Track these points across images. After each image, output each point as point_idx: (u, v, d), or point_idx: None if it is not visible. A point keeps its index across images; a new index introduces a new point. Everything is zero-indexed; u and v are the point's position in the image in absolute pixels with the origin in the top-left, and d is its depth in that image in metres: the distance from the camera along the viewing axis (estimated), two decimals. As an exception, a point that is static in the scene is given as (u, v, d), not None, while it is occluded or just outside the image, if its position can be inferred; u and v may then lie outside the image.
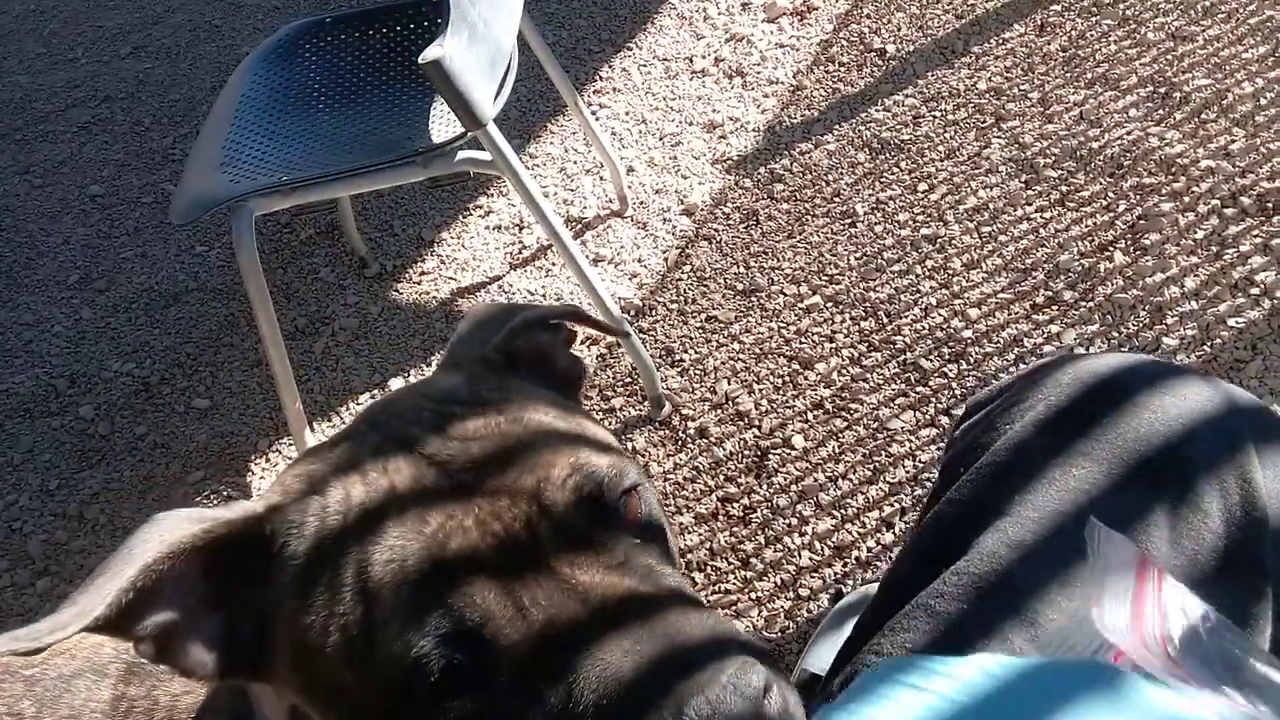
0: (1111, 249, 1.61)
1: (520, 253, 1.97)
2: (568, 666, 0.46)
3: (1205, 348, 1.43)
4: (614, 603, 0.48)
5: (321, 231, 2.12)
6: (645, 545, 0.55)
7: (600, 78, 2.30)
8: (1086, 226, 1.66)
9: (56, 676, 0.82)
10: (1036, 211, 1.70)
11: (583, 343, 1.77)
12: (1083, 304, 1.55)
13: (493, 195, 2.11)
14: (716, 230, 1.88)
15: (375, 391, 1.79)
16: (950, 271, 1.66)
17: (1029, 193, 1.74)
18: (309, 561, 0.53)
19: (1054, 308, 1.55)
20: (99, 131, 2.53)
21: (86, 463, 1.79)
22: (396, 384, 1.79)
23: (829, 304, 1.68)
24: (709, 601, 1.36)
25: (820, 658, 1.08)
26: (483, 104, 1.24)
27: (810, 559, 1.37)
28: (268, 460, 1.73)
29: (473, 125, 1.24)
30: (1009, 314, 1.56)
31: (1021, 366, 1.49)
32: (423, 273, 1.99)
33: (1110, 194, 1.69)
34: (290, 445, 1.73)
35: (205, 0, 2.90)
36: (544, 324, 0.72)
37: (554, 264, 1.93)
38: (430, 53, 1.15)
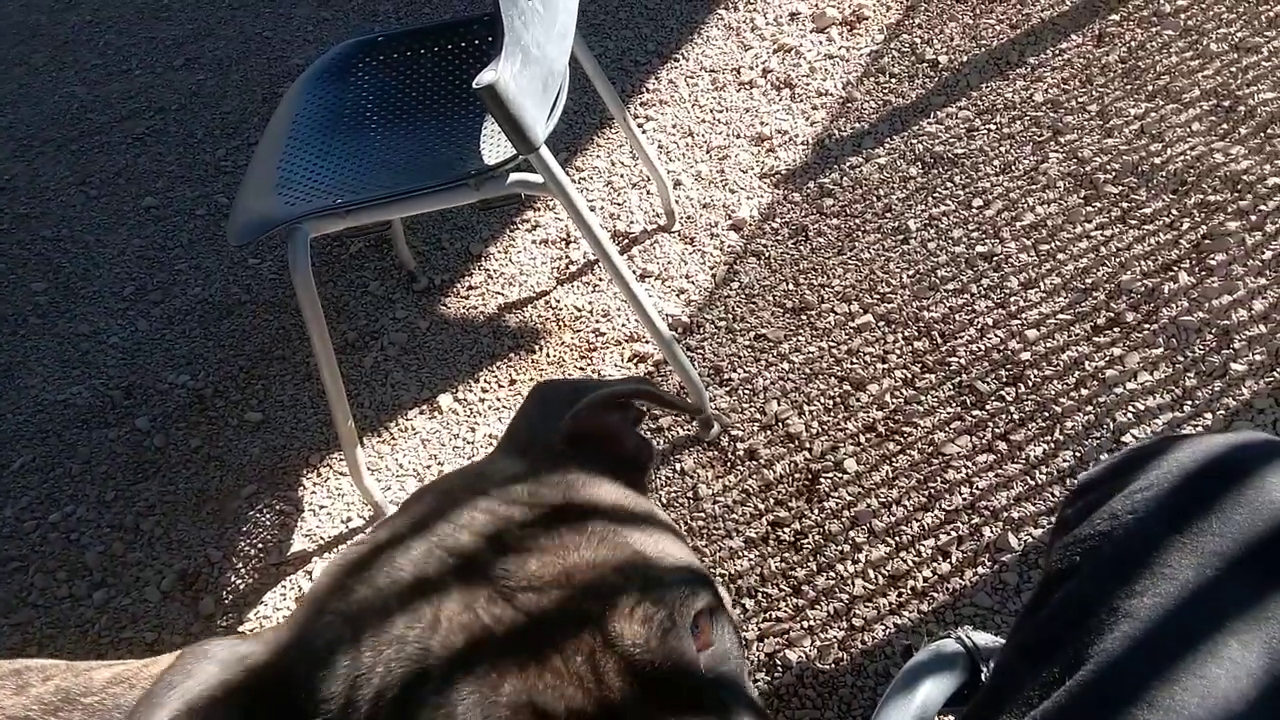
0: (1176, 269, 1.57)
1: (567, 268, 1.97)
2: None
3: (1276, 374, 1.39)
4: None
5: (371, 245, 2.13)
6: (719, 678, 0.51)
7: (647, 90, 2.29)
8: (1149, 245, 1.61)
9: (115, 707, 0.82)
10: (1096, 229, 1.66)
11: (630, 360, 1.77)
12: (1146, 326, 1.51)
13: (540, 210, 2.11)
14: (765, 246, 1.86)
15: (424, 407, 1.80)
16: (1007, 290, 1.62)
17: (1088, 209, 1.70)
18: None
19: (1116, 329, 1.52)
20: (153, 143, 2.57)
21: (142, 474, 1.82)
22: (445, 400, 1.80)
23: (881, 323, 1.66)
24: (759, 630, 1.35)
25: (894, 723, 1.05)
26: (535, 128, 1.23)
27: (864, 587, 1.35)
28: (319, 475, 1.74)
29: (525, 149, 1.24)
30: (1069, 335, 1.53)
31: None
32: (470, 287, 2.00)
33: (1173, 211, 1.65)
34: (341, 460, 1.75)
35: (255, 13, 2.94)
36: (613, 403, 0.68)
37: (601, 279, 1.92)
38: (484, 77, 1.15)
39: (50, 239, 2.38)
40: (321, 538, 1.65)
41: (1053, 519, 1.33)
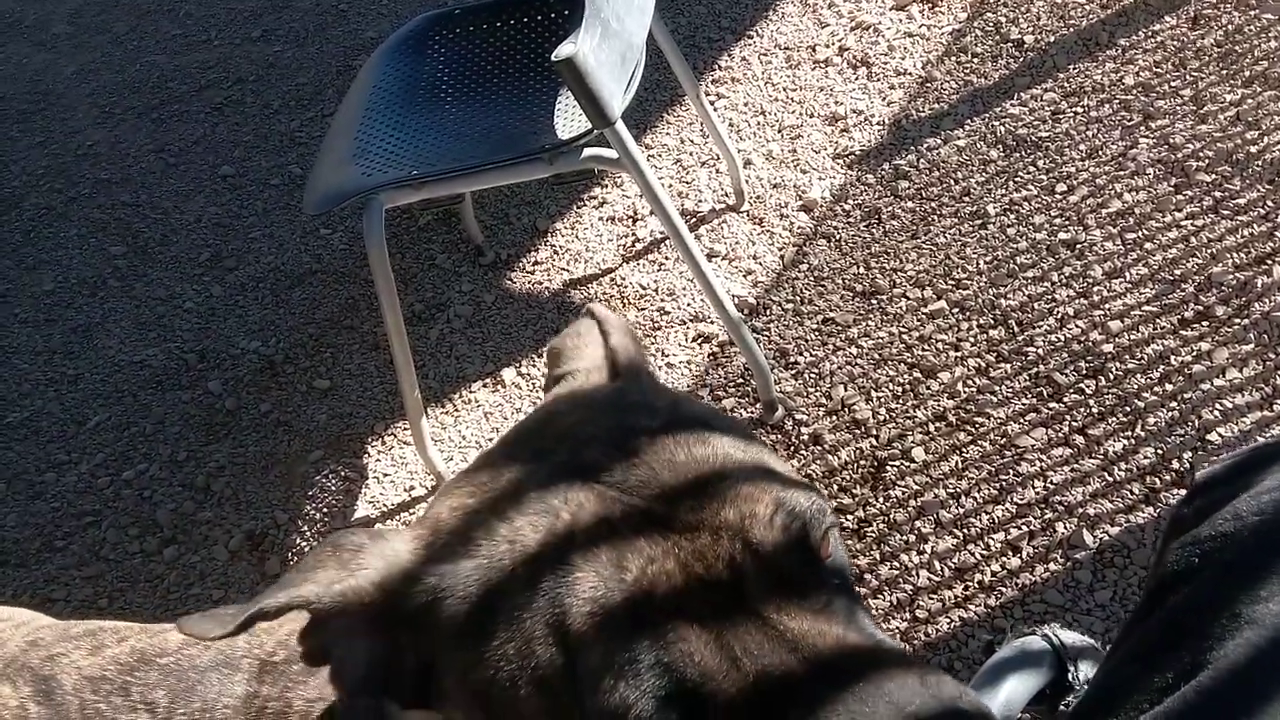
0: (1270, 262, 1.50)
1: (633, 245, 1.96)
2: None
3: (1377, 375, 1.32)
4: (828, 653, 0.46)
5: (439, 218, 2.15)
6: (840, 588, 0.52)
7: (719, 67, 2.25)
8: (1242, 237, 1.54)
9: (190, 668, 0.83)
10: (1187, 218, 1.60)
11: (694, 340, 1.75)
12: (1236, 321, 1.44)
13: (607, 187, 2.10)
14: (836, 228, 1.83)
15: (487, 380, 1.81)
16: (1090, 280, 1.57)
17: (1179, 198, 1.63)
18: (473, 617, 0.51)
19: (1204, 323, 1.46)
20: (230, 113, 2.61)
21: (213, 436, 1.86)
22: (508, 374, 1.81)
23: (955, 309, 1.61)
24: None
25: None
26: (612, 102, 1.22)
27: (929, 579, 1.32)
28: (383, 443, 1.76)
29: (602, 123, 1.23)
30: (1154, 328, 1.47)
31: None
32: (536, 263, 2.00)
33: (1269, 202, 1.57)
34: (406, 430, 1.76)
35: (331, -16, 2.96)
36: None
37: (667, 258, 1.91)
38: (563, 50, 1.14)
39: (129, 204, 2.44)
40: (385, 504, 1.67)
41: (1131, 517, 1.29)
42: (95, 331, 2.15)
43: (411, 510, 1.65)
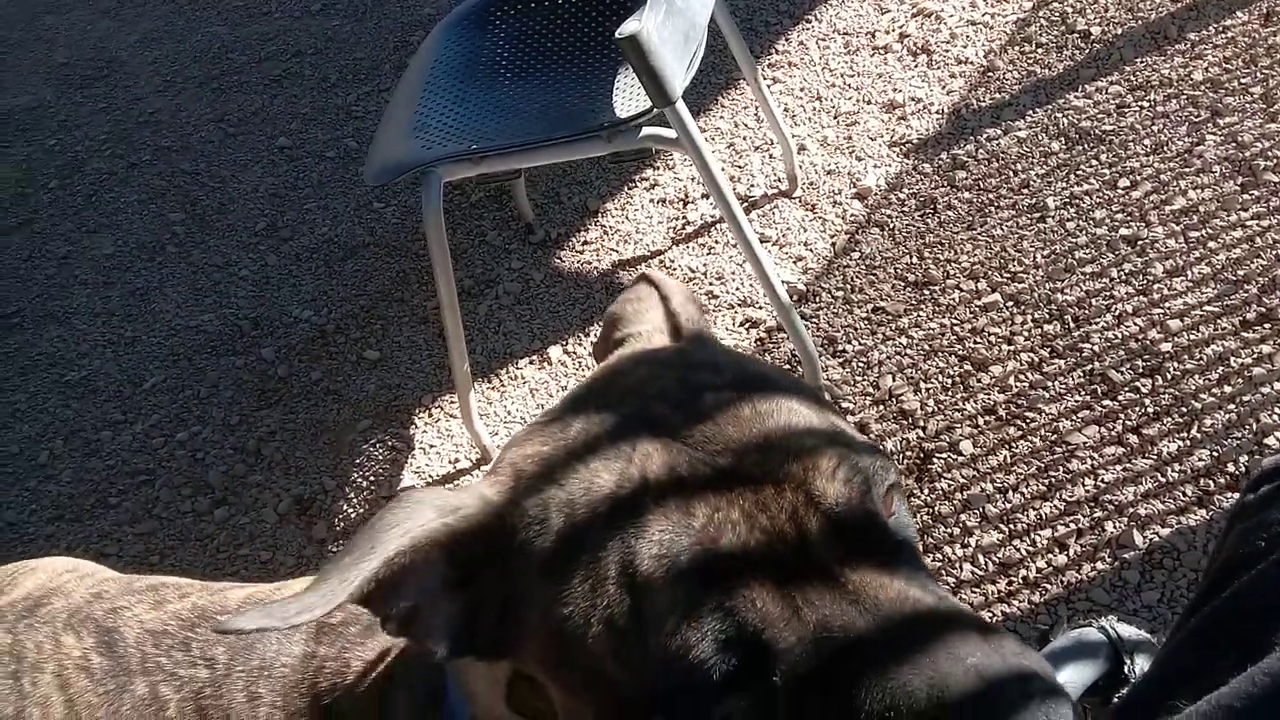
0: (1339, 266, 1.46)
1: (683, 228, 1.96)
2: (849, 677, 0.44)
3: None
4: (889, 607, 0.46)
5: (490, 196, 2.16)
6: (902, 545, 0.52)
7: (776, 51, 2.24)
8: (1311, 239, 1.51)
9: None
10: (1253, 218, 1.56)
11: (741, 324, 1.75)
12: (1301, 325, 1.41)
13: (659, 168, 2.10)
14: (890, 217, 1.81)
15: (534, 357, 1.82)
16: (1150, 277, 1.54)
17: (1245, 197, 1.59)
18: (558, 553, 0.52)
19: (1267, 325, 1.42)
20: (289, 85, 2.65)
21: (265, 402, 1.90)
22: (555, 352, 1.82)
23: (1009, 303, 1.59)
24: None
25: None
26: (673, 81, 1.22)
27: (972, 573, 1.31)
28: (430, 415, 1.79)
29: (663, 102, 1.23)
30: (1215, 329, 1.44)
31: (1228, 389, 1.37)
32: (585, 242, 2.00)
33: (1342, 204, 1.53)
34: (453, 403, 1.78)
35: (391, -41, 2.98)
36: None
37: (717, 241, 1.90)
38: (628, 27, 1.14)
39: (189, 172, 2.49)
40: (430, 475, 1.70)
41: (1184, 519, 1.27)
42: (153, 295, 2.20)
43: (456, 482, 1.68)
